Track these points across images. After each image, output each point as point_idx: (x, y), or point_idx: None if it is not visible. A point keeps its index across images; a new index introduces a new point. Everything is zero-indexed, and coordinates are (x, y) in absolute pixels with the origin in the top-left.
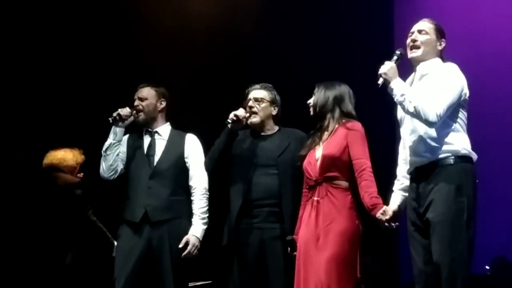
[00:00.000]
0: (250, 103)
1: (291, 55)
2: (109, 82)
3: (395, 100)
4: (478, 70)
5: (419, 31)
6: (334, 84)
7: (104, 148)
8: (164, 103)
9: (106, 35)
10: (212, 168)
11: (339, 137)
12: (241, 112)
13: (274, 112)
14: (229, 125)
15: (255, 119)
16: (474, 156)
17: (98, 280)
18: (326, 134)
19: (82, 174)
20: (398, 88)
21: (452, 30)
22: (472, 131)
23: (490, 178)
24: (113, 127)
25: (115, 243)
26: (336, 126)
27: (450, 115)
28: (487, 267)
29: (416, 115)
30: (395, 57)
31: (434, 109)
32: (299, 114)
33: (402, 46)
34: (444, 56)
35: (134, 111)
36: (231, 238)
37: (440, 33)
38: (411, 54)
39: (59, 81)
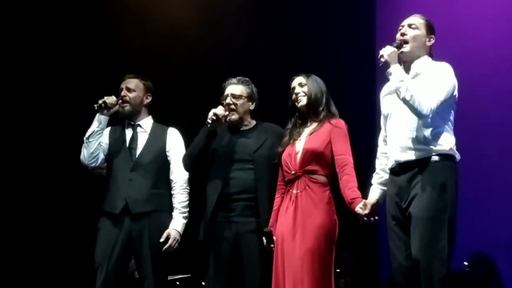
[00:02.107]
0: (228, 100)
1: (271, 51)
2: (95, 79)
3: (392, 84)
4: (460, 68)
5: (409, 25)
6: (316, 77)
7: (86, 135)
8: (150, 98)
9: (92, 35)
10: (191, 166)
11: (323, 133)
12: (220, 111)
13: (252, 107)
14: (209, 125)
15: (233, 117)
16: (458, 156)
17: None
18: (309, 128)
19: None
20: (398, 73)
21: (439, 25)
22: (455, 127)
23: (469, 176)
24: (97, 114)
25: None
26: (323, 121)
27: (440, 114)
28: (466, 263)
29: (411, 104)
30: (395, 44)
31: (429, 103)
32: (280, 110)
33: (384, 42)
34: (433, 53)
35: (120, 100)
36: (206, 233)
37: (430, 29)
38: (400, 50)
39: (50, 81)
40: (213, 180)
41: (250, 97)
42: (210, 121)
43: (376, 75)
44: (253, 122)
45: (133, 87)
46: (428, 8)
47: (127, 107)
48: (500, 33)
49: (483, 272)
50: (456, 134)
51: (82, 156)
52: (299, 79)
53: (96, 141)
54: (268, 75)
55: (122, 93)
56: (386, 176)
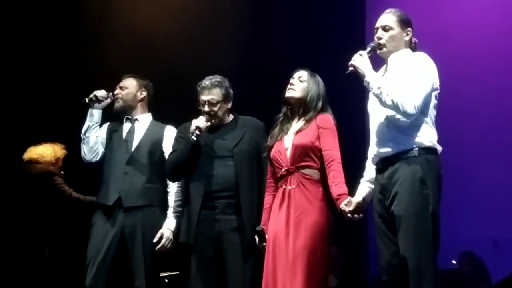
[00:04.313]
0: (206, 108)
1: (261, 45)
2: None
3: (371, 92)
4: (450, 66)
5: (383, 28)
6: (319, 80)
7: (83, 131)
8: (144, 93)
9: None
10: (174, 176)
11: (311, 128)
12: (203, 123)
13: (229, 106)
14: (193, 140)
15: (214, 121)
16: (439, 148)
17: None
18: (298, 125)
19: (62, 172)
20: (374, 81)
21: (424, 26)
22: (442, 126)
23: (458, 174)
24: (89, 109)
25: None
26: (310, 120)
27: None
28: (454, 262)
29: (394, 108)
30: (368, 48)
31: (412, 101)
32: (270, 106)
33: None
34: (415, 42)
35: (111, 93)
36: (190, 233)
37: (405, 23)
38: (379, 52)
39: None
40: (195, 179)
41: (226, 98)
42: (195, 137)
43: None
44: (230, 117)
45: (126, 85)
46: (417, 8)
47: (119, 103)
48: (488, 33)
49: (471, 270)
50: (445, 133)
51: (82, 153)
52: (302, 73)
53: (93, 136)
54: (258, 73)
55: (116, 91)
56: (374, 174)
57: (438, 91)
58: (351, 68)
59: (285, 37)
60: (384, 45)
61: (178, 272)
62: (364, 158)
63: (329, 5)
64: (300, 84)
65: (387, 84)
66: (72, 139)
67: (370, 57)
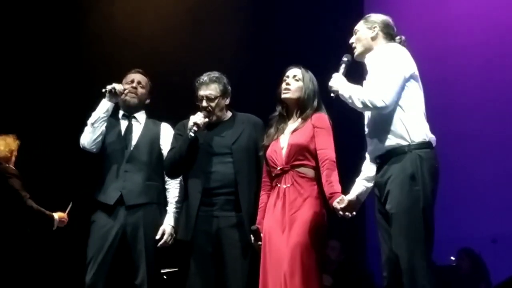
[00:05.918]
0: (204, 104)
1: (259, 43)
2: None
3: (348, 103)
4: (445, 65)
5: (354, 33)
6: (313, 77)
7: (92, 120)
8: (149, 100)
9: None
10: (173, 172)
11: (307, 128)
12: (201, 120)
13: (227, 102)
14: (191, 136)
15: (212, 117)
16: (433, 140)
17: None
18: (294, 124)
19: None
20: (346, 91)
21: (420, 25)
22: (436, 123)
23: (455, 171)
24: (104, 100)
25: (56, 216)
26: (306, 119)
27: (401, 101)
28: (452, 258)
29: (365, 107)
30: (342, 65)
31: (379, 95)
32: (268, 103)
33: None
34: (400, 38)
35: (127, 90)
36: (188, 230)
37: (371, 22)
38: (355, 56)
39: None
40: (193, 176)
41: (223, 94)
42: (193, 134)
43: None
44: (229, 114)
45: (144, 84)
46: (414, 7)
47: (134, 99)
48: (485, 32)
49: (470, 267)
50: (443, 129)
51: (84, 141)
52: (296, 71)
53: (101, 128)
54: (256, 71)
55: (134, 85)
56: (369, 173)
57: (417, 77)
58: (332, 94)
59: (283, 34)
60: (355, 48)
61: (176, 269)
62: (361, 156)
63: (328, 4)
64: (296, 83)
65: (355, 88)
66: (74, 135)
67: (347, 71)
